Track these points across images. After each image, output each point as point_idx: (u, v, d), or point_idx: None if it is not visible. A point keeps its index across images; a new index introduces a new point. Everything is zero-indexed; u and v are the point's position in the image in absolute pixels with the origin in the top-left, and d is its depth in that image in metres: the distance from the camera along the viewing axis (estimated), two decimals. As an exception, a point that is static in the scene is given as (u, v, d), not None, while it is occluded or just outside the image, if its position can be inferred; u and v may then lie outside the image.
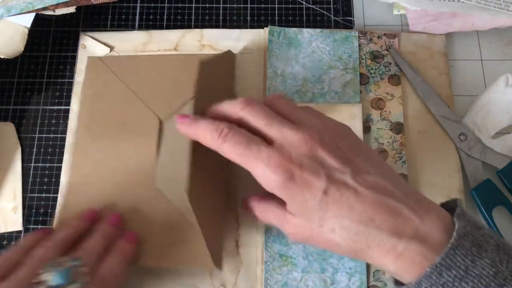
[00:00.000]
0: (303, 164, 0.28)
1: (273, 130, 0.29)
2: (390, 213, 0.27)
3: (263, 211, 0.32)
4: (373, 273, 0.37)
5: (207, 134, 0.30)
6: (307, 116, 0.30)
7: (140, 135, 0.40)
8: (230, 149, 0.29)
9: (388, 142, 0.40)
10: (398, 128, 0.41)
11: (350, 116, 0.40)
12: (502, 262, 0.25)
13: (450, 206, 0.29)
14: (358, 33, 0.43)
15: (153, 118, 0.40)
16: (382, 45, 0.43)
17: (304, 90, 0.41)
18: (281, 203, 0.30)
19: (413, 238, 0.26)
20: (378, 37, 0.44)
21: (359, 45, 0.43)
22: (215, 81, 0.39)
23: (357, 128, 0.39)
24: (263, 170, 0.28)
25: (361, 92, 0.42)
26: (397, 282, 0.28)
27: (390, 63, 0.43)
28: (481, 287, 0.24)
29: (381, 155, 0.40)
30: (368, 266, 0.37)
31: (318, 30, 0.43)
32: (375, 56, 0.43)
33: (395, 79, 0.42)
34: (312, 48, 0.43)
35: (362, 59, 0.43)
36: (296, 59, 0.42)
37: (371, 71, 0.42)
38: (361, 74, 0.42)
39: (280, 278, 0.36)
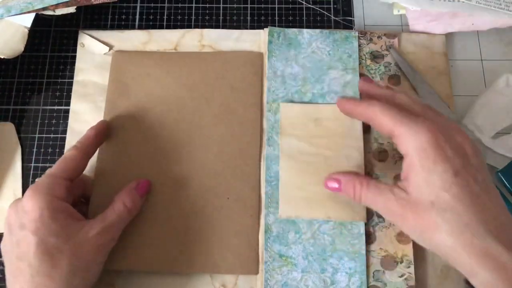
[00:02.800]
0: (451, 140, 0.29)
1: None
2: (505, 224, 0.27)
3: (374, 190, 0.33)
4: (373, 273, 0.37)
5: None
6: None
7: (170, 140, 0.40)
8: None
9: (388, 142, 0.40)
10: None
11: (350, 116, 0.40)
12: None
13: None
14: (358, 33, 0.43)
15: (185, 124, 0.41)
16: (382, 45, 0.43)
17: (304, 91, 0.41)
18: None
19: None
20: (378, 37, 0.43)
21: (359, 45, 0.43)
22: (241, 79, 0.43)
23: (357, 128, 0.40)
24: (413, 129, 0.30)
25: None
26: None
27: (390, 63, 0.43)
28: None
29: (383, 155, 0.40)
30: (368, 266, 0.37)
31: (318, 30, 0.43)
32: (375, 56, 0.43)
33: (395, 79, 0.42)
34: (312, 49, 0.43)
35: (362, 59, 0.43)
36: (296, 60, 0.42)
37: (371, 71, 0.42)
38: (361, 74, 0.42)
39: (280, 278, 0.36)
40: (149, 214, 0.38)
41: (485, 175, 0.29)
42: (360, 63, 0.42)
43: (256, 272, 0.37)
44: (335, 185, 0.35)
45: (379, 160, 0.40)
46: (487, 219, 0.27)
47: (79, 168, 0.36)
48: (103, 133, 0.39)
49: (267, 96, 0.41)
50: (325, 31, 0.43)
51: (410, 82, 0.43)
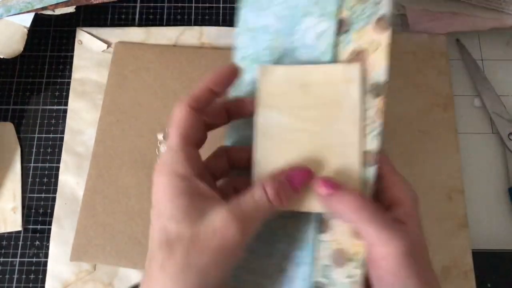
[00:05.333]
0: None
1: None
2: None
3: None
4: (322, 267, 0.28)
5: None
6: None
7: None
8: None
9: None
10: (377, 89, 0.28)
11: (345, 80, 0.29)
12: None
13: None
14: None
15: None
16: None
17: (275, 45, 0.32)
18: None
19: None
20: None
21: None
22: None
23: (355, 95, 0.28)
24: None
25: (338, 44, 0.30)
26: None
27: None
28: None
29: None
30: (317, 258, 0.29)
31: None
32: None
33: (383, 23, 0.29)
34: None
35: (345, 1, 0.31)
36: (269, 8, 0.32)
37: (353, 15, 0.30)
38: (341, 20, 0.30)
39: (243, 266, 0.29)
40: (144, 210, 0.38)
41: None
42: (341, 6, 0.31)
43: None
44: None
45: None
46: None
47: (199, 128, 0.28)
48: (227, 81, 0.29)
49: (235, 55, 0.33)
50: None
51: (471, 77, 0.44)
